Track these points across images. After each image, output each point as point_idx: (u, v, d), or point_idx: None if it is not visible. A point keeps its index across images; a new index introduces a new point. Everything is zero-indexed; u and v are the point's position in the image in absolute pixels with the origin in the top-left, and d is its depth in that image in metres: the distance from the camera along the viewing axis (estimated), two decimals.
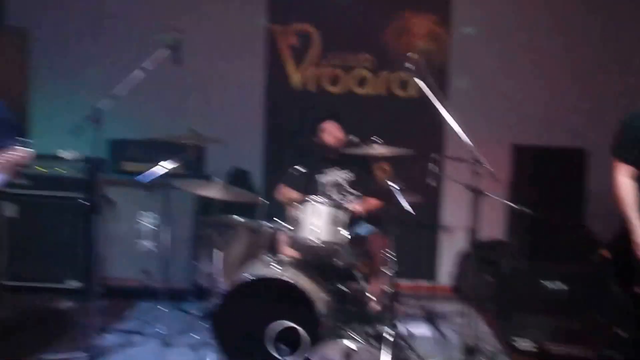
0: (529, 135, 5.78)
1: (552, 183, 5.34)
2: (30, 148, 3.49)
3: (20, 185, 5.12)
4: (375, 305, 4.44)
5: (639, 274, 3.21)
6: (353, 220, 4.32)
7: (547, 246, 5.12)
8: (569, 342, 4.40)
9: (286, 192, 4.75)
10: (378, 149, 4.25)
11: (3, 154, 3.42)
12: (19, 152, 3.43)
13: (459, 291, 5.70)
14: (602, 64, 5.85)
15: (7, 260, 5.10)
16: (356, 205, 4.61)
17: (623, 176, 3.34)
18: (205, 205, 5.25)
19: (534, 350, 4.40)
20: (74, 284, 5.13)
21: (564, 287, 4.84)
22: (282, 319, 3.73)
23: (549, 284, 4.85)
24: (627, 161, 3.33)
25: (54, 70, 5.89)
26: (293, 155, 5.40)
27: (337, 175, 4.91)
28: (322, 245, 3.99)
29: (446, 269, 5.96)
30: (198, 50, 5.44)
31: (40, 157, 4.98)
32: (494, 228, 5.68)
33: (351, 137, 4.76)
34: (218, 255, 4.24)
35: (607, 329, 3.97)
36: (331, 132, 4.86)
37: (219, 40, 5.92)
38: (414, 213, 4.04)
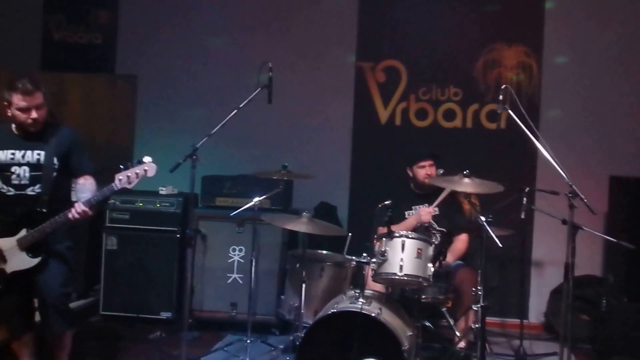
0: (626, 166, 5.56)
1: None
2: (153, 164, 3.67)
3: (120, 220, 5.39)
4: (461, 343, 4.35)
5: None
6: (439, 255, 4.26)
7: None
8: None
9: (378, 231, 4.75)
10: (467, 185, 4.19)
11: (133, 170, 3.61)
12: (144, 168, 3.61)
13: (552, 330, 5.49)
14: None
15: (105, 291, 5.36)
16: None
17: None
18: (293, 239, 5.35)
19: None
20: (166, 314, 5.31)
21: None
22: (366, 354, 3.70)
23: None
24: None
25: (158, 112, 6.22)
26: (381, 191, 5.40)
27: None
28: (407, 279, 3.95)
29: (537, 306, 5.77)
30: (289, 88, 5.59)
31: (140, 193, 5.26)
32: (588, 263, 5.45)
33: (440, 171, 4.76)
34: (303, 289, 4.28)
35: None
36: (428, 171, 4.86)
37: (309, 78, 6.07)
38: (502, 247, 3.96)
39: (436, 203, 4.61)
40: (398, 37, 6.06)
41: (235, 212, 4.66)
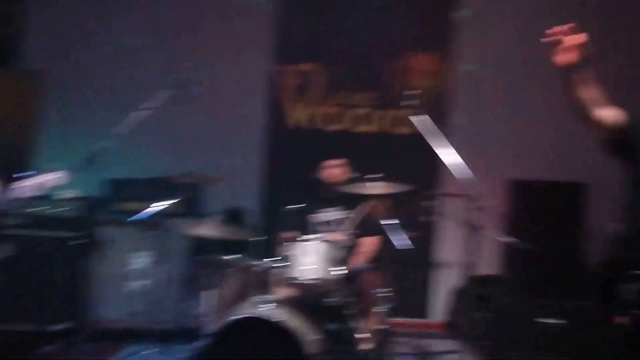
0: (528, 171, 5.78)
1: (549, 218, 5.33)
2: (61, 173, 3.53)
3: (13, 225, 5.05)
4: (367, 344, 4.43)
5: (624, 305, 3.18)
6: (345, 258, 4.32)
7: (543, 282, 5.08)
8: None
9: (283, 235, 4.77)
10: (375, 188, 4.27)
11: (36, 178, 3.46)
12: (51, 176, 3.47)
13: (453, 328, 5.66)
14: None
15: None
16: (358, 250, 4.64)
17: None
18: (200, 245, 5.26)
19: None
20: (61, 326, 4.98)
21: (561, 323, 4.79)
22: None
23: (545, 321, 4.81)
24: None
25: (66, 112, 5.95)
26: (291, 194, 5.43)
27: (332, 215, 4.95)
28: (314, 283, 3.99)
29: (440, 306, 5.92)
30: (204, 90, 5.51)
31: (39, 197, 5.03)
32: (489, 264, 5.66)
33: (350, 175, 4.83)
34: (208, 296, 4.25)
35: None
36: (334, 171, 4.91)
37: (223, 80, 5.98)
38: (408, 250, 4.07)
39: (348, 225, 4.62)
40: (313, 40, 6.10)
41: (135, 217, 4.50)
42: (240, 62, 6.03)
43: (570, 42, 2.67)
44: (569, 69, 2.71)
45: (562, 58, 2.71)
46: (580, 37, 2.66)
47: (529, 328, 4.86)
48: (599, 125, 2.79)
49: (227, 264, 4.39)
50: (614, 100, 2.74)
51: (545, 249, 5.15)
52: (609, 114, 2.77)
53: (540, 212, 5.37)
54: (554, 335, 4.80)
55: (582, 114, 2.77)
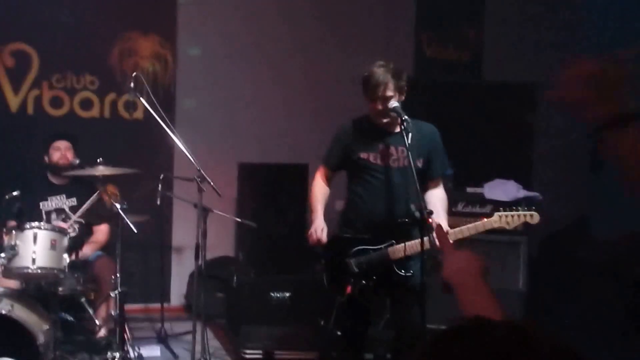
0: (256, 154, 6.03)
1: (275, 198, 5.65)
2: None
3: None
4: (102, 332, 4.35)
5: (344, 276, 3.56)
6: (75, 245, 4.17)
7: (273, 259, 5.41)
8: (294, 347, 4.69)
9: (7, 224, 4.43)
10: (103, 170, 4.19)
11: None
12: None
13: (191, 310, 5.78)
14: (328, 80, 6.18)
15: None
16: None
17: (318, 176, 3.79)
18: None
19: (262, 357, 4.62)
20: None
21: (288, 296, 5.15)
22: (1, 355, 3.49)
23: (274, 295, 5.14)
24: (326, 165, 3.77)
25: None
26: (14, 181, 5.05)
27: (61, 202, 4.75)
28: (41, 272, 3.80)
29: (178, 290, 5.98)
30: None
31: None
32: (224, 245, 5.86)
33: (75, 160, 4.64)
34: None
35: (328, 331, 4.29)
36: (62, 152, 4.70)
37: None
38: (140, 233, 4.05)
39: (78, 214, 4.44)
40: (26, 18, 5.67)
41: None
42: None
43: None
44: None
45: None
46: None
47: (259, 303, 5.13)
48: None
49: None
50: None
51: (273, 228, 5.47)
52: None
53: (267, 192, 5.67)
54: (282, 308, 5.14)
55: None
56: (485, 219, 3.35)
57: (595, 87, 1.59)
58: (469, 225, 3.33)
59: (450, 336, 0.96)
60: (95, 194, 4.58)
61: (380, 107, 3.43)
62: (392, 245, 3.44)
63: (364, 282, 3.47)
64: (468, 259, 1.59)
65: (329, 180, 3.78)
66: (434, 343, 0.97)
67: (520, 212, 3.29)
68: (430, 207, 3.37)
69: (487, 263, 1.57)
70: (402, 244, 3.38)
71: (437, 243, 2.70)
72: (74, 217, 4.33)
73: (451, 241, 1.95)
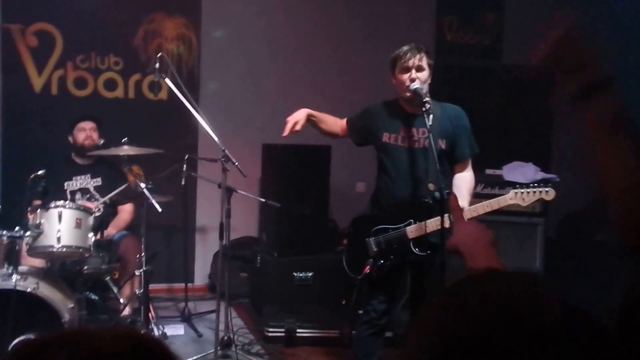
0: (280, 135, 5.98)
1: (299, 179, 5.63)
2: None
3: None
4: (126, 310, 4.39)
5: (364, 255, 3.55)
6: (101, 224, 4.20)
7: (296, 239, 5.40)
8: (317, 327, 4.71)
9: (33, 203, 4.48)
10: (127, 150, 4.20)
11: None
12: None
13: (215, 290, 5.81)
14: (350, 64, 6.20)
15: None
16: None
17: None
18: None
19: (284, 335, 4.64)
20: None
21: (310, 276, 5.16)
22: (25, 331, 3.52)
23: (297, 275, 5.15)
24: (348, 122, 3.82)
25: None
26: (38, 160, 5.09)
27: (85, 182, 4.79)
28: (66, 251, 3.84)
29: (202, 270, 6.02)
30: None
31: None
32: (247, 226, 5.88)
33: (100, 140, 4.67)
34: None
35: (350, 311, 4.30)
36: (87, 132, 4.74)
37: None
38: (163, 212, 4.06)
39: (107, 197, 4.45)
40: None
41: None
42: None
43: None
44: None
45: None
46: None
47: (283, 283, 5.15)
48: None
49: None
50: None
51: (297, 209, 5.46)
52: None
53: (291, 174, 5.65)
54: (305, 288, 5.16)
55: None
56: (501, 196, 3.31)
57: (561, 55, 1.53)
58: (484, 203, 3.28)
59: (465, 285, 0.95)
60: (118, 171, 4.62)
61: (412, 76, 3.38)
62: (410, 224, 3.41)
63: (382, 261, 3.46)
64: (478, 228, 1.57)
65: (341, 131, 3.81)
66: (449, 292, 0.96)
67: (535, 189, 3.23)
68: (454, 189, 3.33)
69: (497, 237, 1.56)
70: (421, 223, 3.36)
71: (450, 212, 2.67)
72: (102, 200, 4.35)
73: (466, 219, 1.94)
